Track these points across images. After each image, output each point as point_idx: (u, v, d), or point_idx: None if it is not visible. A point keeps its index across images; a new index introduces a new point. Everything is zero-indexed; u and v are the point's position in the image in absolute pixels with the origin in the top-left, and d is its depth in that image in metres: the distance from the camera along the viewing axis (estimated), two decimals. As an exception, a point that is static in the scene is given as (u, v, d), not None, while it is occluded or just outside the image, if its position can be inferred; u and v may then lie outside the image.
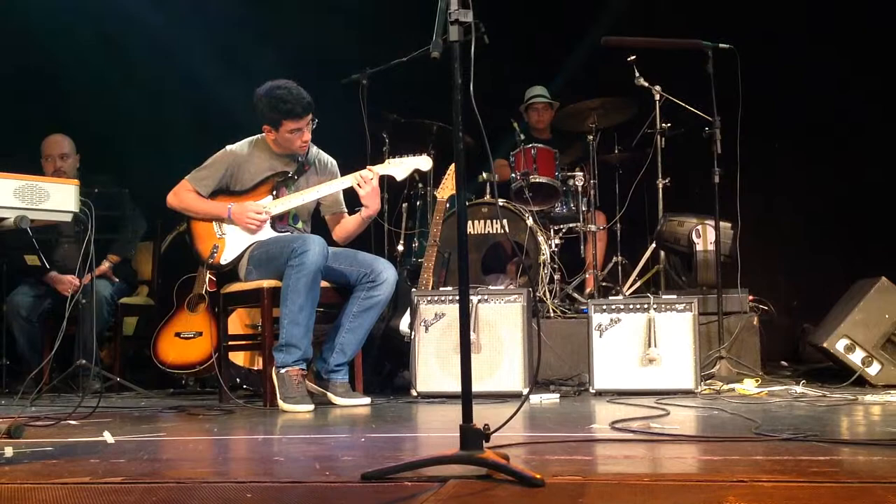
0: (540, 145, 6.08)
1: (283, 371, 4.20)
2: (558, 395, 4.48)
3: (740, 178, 5.05)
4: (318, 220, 4.79)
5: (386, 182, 4.63)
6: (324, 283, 4.32)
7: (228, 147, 4.61)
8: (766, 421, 3.24)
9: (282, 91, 4.38)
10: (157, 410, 4.30)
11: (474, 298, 4.49)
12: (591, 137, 6.13)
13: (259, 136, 4.60)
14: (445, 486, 2.13)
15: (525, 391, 4.38)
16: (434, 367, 4.53)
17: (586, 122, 6.16)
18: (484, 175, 6.02)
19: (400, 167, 4.55)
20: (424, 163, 4.59)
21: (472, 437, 2.26)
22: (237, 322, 5.27)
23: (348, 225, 4.67)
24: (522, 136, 6.16)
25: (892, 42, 6.47)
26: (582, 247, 6.12)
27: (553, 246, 5.87)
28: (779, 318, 5.80)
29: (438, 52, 2.38)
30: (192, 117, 6.85)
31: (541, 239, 5.71)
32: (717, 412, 3.67)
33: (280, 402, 4.16)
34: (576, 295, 5.94)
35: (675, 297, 4.66)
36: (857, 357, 4.72)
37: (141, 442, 3.10)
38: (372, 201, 4.47)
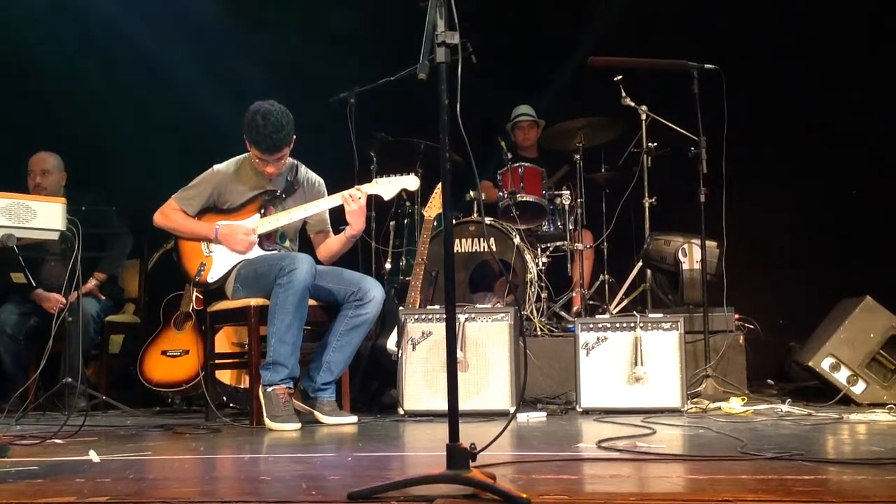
0: (527, 164, 6.11)
1: (269, 389, 4.19)
2: (545, 414, 4.49)
3: (726, 197, 5.08)
4: (304, 239, 4.80)
5: (373, 201, 4.64)
6: (311, 302, 4.32)
7: (215, 166, 4.62)
8: (752, 440, 3.25)
9: (261, 121, 4.37)
10: (143, 429, 4.28)
11: (461, 317, 4.50)
12: (577, 156, 6.16)
13: (246, 154, 4.61)
14: (432, 506, 2.14)
15: (512, 409, 4.38)
16: (421, 386, 4.53)
17: (573, 142, 6.19)
18: (471, 193, 6.03)
19: (387, 187, 4.56)
20: (412, 182, 4.60)
21: (459, 456, 2.26)
22: (224, 340, 5.26)
23: (332, 244, 4.68)
24: (509, 156, 6.19)
25: (876, 60, 6.53)
26: (569, 265, 6.15)
27: (540, 264, 5.89)
28: (764, 336, 5.82)
29: (425, 74, 2.40)
30: (181, 135, 6.85)
31: (528, 257, 5.72)
32: (704, 431, 3.68)
33: (267, 421, 4.15)
34: (563, 313, 5.95)
35: (661, 315, 4.68)
36: (842, 376, 4.74)
37: (127, 461, 3.09)
38: (357, 220, 4.47)
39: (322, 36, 6.84)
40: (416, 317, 4.62)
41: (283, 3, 6.87)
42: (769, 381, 6.08)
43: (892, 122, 6.52)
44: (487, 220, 5.89)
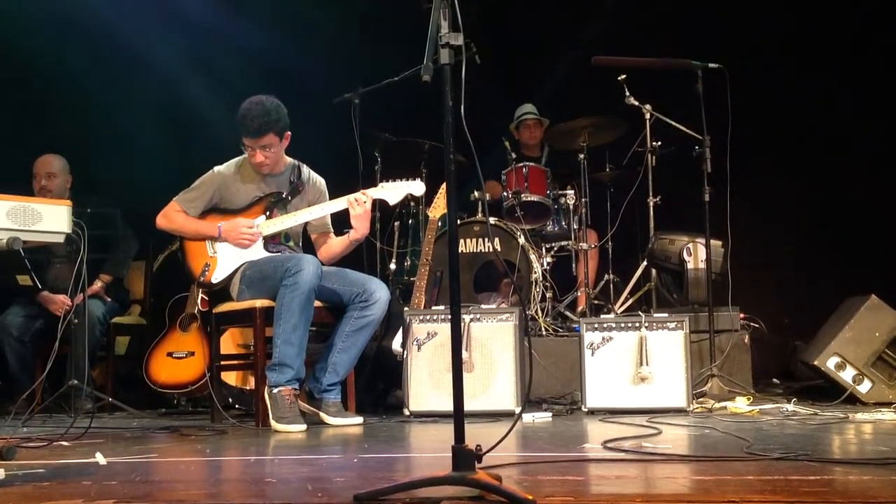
0: (531, 164, 6.11)
1: (275, 391, 4.20)
2: (551, 414, 4.49)
3: (730, 196, 5.07)
4: (307, 239, 4.80)
5: (378, 204, 4.65)
6: (316, 303, 4.32)
7: (216, 168, 4.64)
8: (758, 440, 3.25)
9: (247, 107, 4.44)
10: (149, 431, 4.29)
11: (466, 317, 4.50)
12: (581, 156, 6.15)
13: (246, 155, 4.62)
14: (438, 508, 2.14)
15: (517, 410, 4.38)
16: (426, 386, 4.53)
17: (577, 141, 6.19)
18: (476, 194, 6.03)
19: (393, 191, 4.56)
20: (417, 188, 4.61)
21: (465, 457, 2.26)
22: (229, 342, 5.27)
23: (334, 246, 4.68)
24: (514, 155, 6.19)
25: (880, 59, 6.52)
26: (574, 265, 6.14)
27: (545, 264, 5.88)
28: (770, 335, 5.82)
29: (429, 76, 2.40)
30: (184, 137, 6.86)
31: (533, 257, 5.72)
32: (709, 431, 3.68)
33: (272, 422, 4.16)
34: (568, 313, 5.94)
35: (666, 315, 4.68)
36: (847, 375, 4.74)
37: (133, 463, 3.10)
38: (361, 224, 4.48)
39: (326, 37, 6.84)
40: (421, 317, 4.63)
41: (286, 2, 6.87)
42: (775, 380, 6.07)
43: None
44: (492, 220, 5.89)
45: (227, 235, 4.51)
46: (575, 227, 6.11)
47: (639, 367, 4.50)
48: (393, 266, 6.05)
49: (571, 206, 6.09)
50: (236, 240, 4.51)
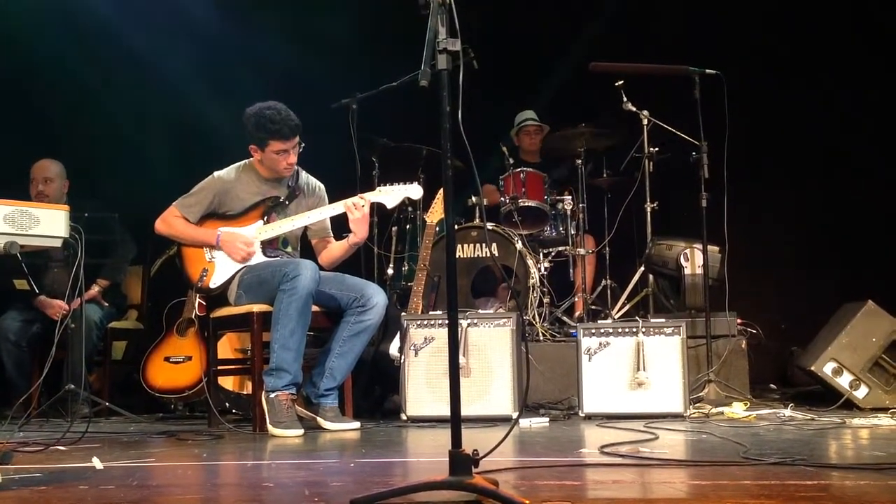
0: (529, 169, 6.12)
1: (272, 395, 4.19)
2: (548, 419, 4.49)
3: (728, 202, 5.08)
4: (305, 244, 4.81)
5: (376, 208, 4.66)
6: (314, 308, 4.32)
7: (216, 173, 4.63)
8: (755, 445, 3.25)
9: (271, 111, 4.42)
10: (146, 435, 4.28)
11: (463, 322, 4.50)
12: (579, 161, 6.16)
13: (247, 161, 4.63)
14: (435, 512, 2.14)
15: (514, 415, 4.38)
16: (424, 391, 4.53)
17: (575, 147, 6.19)
18: (473, 199, 6.04)
19: (390, 195, 4.56)
20: (415, 191, 4.61)
21: (462, 462, 2.26)
22: (227, 346, 5.27)
23: (334, 251, 4.68)
24: (511, 161, 6.20)
25: (878, 65, 6.54)
26: (571, 270, 6.14)
27: (542, 269, 5.89)
28: (767, 341, 5.81)
29: (427, 81, 2.40)
30: (182, 143, 6.86)
31: (530, 262, 5.72)
32: (706, 436, 3.68)
33: (269, 427, 4.16)
34: (565, 318, 5.95)
35: (663, 320, 4.68)
36: (844, 380, 4.74)
37: (130, 468, 3.09)
38: (360, 228, 4.48)
39: (324, 42, 6.84)
40: (419, 322, 4.63)
41: (285, 8, 6.88)
42: (772, 385, 6.07)
43: (894, 124, 6.52)
44: (489, 225, 5.89)
45: (225, 246, 4.50)
46: (572, 232, 6.11)
47: (636, 372, 4.50)
48: (390, 271, 6.05)
49: (569, 212, 6.10)
50: (230, 254, 4.50)
